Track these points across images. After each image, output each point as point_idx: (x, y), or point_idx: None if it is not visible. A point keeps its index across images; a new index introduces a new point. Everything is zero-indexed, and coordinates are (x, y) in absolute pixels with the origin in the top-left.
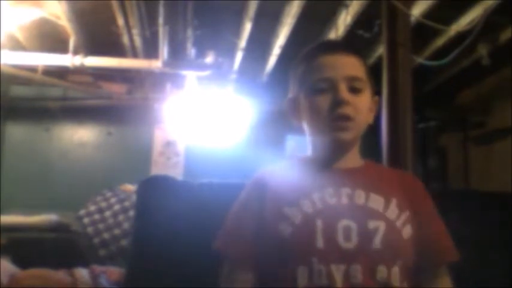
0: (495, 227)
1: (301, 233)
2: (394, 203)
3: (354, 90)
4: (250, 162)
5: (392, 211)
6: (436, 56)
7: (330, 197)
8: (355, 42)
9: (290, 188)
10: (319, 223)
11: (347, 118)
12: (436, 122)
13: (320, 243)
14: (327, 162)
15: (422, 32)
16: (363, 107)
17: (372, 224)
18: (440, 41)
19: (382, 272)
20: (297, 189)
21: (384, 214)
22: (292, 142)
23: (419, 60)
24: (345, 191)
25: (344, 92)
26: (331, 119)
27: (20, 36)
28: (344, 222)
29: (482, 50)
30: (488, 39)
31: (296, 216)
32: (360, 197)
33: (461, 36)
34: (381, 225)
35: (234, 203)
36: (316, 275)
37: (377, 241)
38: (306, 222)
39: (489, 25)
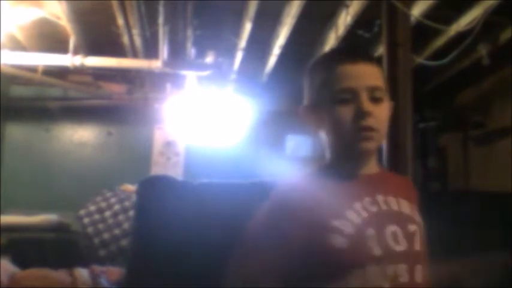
0: (495, 227)
1: (356, 242)
2: (414, 208)
3: (375, 100)
4: (250, 162)
5: (417, 215)
6: (436, 56)
7: (370, 205)
8: (355, 42)
9: (327, 200)
10: (370, 231)
11: (370, 129)
12: (436, 122)
13: (377, 250)
14: (350, 170)
15: (422, 32)
16: (384, 116)
17: (411, 227)
18: (440, 41)
19: (418, 271)
20: (335, 200)
21: (414, 218)
22: (292, 142)
23: (419, 60)
24: (380, 198)
25: (366, 103)
26: (355, 130)
27: (20, 36)
28: (391, 228)
29: (482, 50)
30: (488, 39)
31: (347, 227)
32: (393, 203)
33: (461, 36)
34: (416, 228)
35: (257, 224)
36: (371, 279)
37: (417, 242)
38: (358, 232)
39: (489, 25)
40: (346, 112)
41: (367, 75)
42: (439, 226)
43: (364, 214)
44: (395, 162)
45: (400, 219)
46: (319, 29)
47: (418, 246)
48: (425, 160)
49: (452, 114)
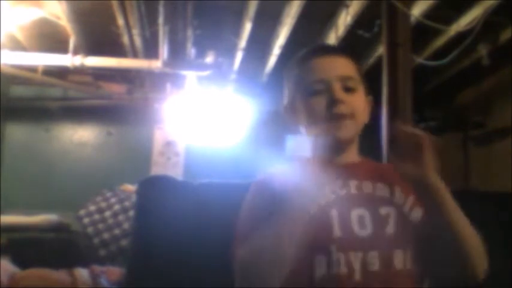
0: (495, 227)
1: (317, 223)
2: (398, 190)
3: (348, 90)
4: (250, 162)
5: (399, 197)
6: (436, 56)
7: (340, 188)
8: (355, 42)
9: (300, 184)
10: (334, 213)
11: (343, 116)
12: (436, 122)
13: (337, 231)
14: (330, 159)
15: (422, 32)
16: (358, 105)
17: (383, 211)
18: (440, 41)
19: (398, 256)
20: (307, 184)
21: (392, 200)
22: (292, 142)
23: (419, 60)
24: (353, 182)
25: (338, 92)
26: (328, 118)
27: (20, 36)
28: (357, 211)
29: (482, 50)
30: (488, 39)
31: (311, 208)
32: (368, 187)
33: (461, 36)
34: (391, 211)
35: (242, 212)
36: (335, 264)
37: (390, 227)
38: (321, 212)
39: (489, 25)
40: (319, 102)
41: (338, 66)
42: None
43: (331, 196)
44: None
45: (371, 202)
46: (319, 29)
47: (392, 229)
48: None
49: (452, 114)
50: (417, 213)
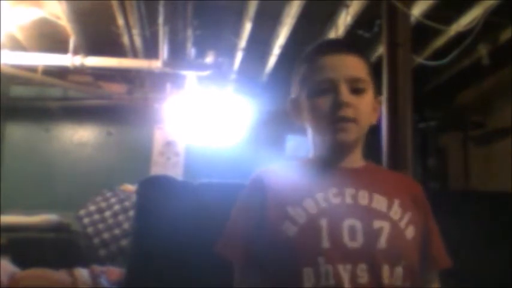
0: (495, 227)
1: (306, 232)
2: (396, 203)
3: (356, 91)
4: (250, 162)
5: (396, 211)
6: (436, 56)
7: (334, 196)
8: (355, 42)
9: (293, 188)
10: (323, 223)
11: (348, 120)
12: (436, 122)
13: (326, 243)
14: (329, 162)
15: (422, 32)
16: (365, 108)
17: (376, 224)
18: (440, 41)
19: (386, 271)
20: (300, 188)
21: (387, 214)
22: (292, 142)
23: (419, 60)
24: (349, 191)
25: (345, 94)
26: (332, 121)
27: (20, 36)
28: (349, 222)
29: (482, 50)
30: (488, 39)
31: (300, 216)
32: (364, 197)
33: (461, 36)
34: (385, 225)
35: (234, 206)
36: (323, 276)
37: (382, 241)
38: (311, 222)
39: (489, 25)
40: (324, 103)
41: (348, 66)
42: (438, 226)
43: (323, 205)
44: (395, 162)
45: (364, 214)
46: (319, 29)
47: (384, 244)
48: (425, 160)
49: (452, 114)
50: (411, 231)
